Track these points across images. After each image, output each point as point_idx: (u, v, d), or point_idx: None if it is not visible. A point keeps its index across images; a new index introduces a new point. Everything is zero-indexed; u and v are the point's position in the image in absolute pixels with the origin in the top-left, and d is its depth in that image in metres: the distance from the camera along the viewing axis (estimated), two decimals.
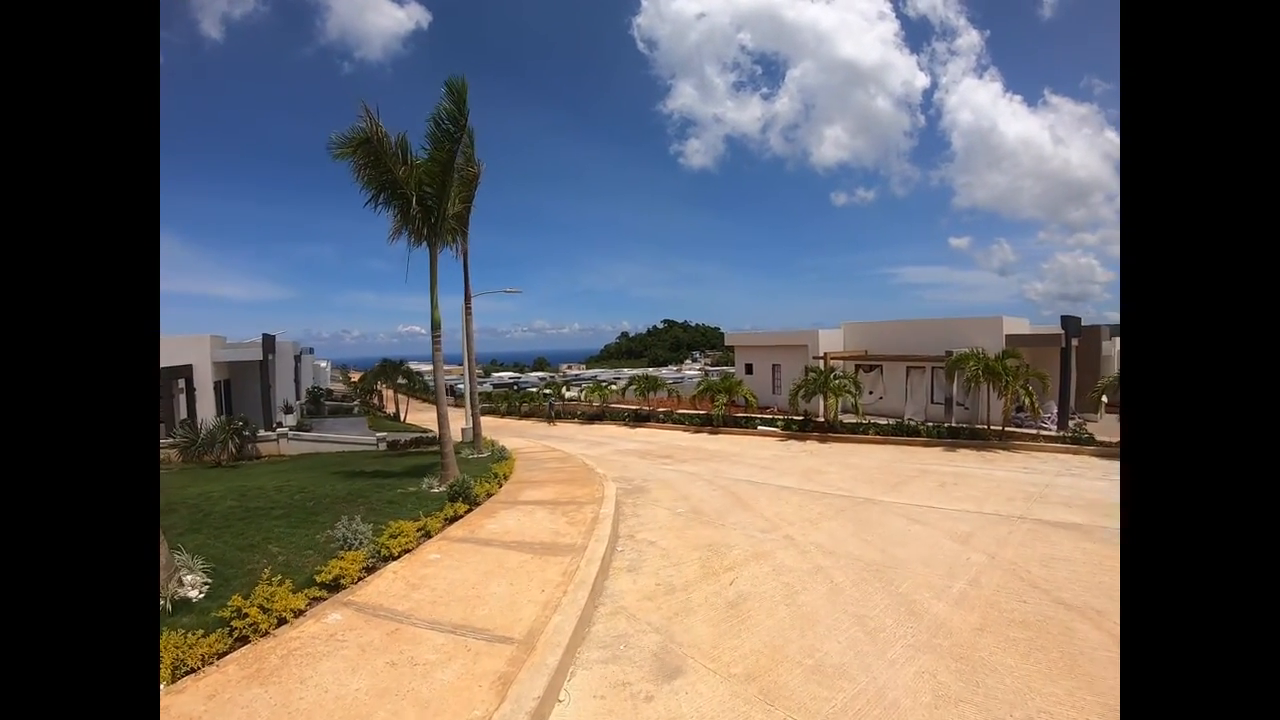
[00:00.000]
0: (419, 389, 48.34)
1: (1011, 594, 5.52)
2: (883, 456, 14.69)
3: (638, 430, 23.49)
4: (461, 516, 7.87)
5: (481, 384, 71.20)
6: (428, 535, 6.93)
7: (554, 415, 30.64)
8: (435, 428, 19.76)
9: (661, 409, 25.92)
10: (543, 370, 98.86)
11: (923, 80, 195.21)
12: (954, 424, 17.45)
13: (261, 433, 18.20)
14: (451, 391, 62.88)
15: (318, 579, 5.21)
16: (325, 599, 5.05)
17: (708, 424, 21.97)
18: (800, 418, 19.88)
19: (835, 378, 19.41)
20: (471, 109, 9.62)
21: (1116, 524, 7.43)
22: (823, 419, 19.26)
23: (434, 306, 9.82)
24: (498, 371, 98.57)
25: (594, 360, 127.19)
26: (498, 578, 5.60)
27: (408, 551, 6.34)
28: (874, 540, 7.30)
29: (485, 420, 35.20)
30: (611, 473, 12.81)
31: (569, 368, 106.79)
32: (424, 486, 9.55)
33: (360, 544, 6.03)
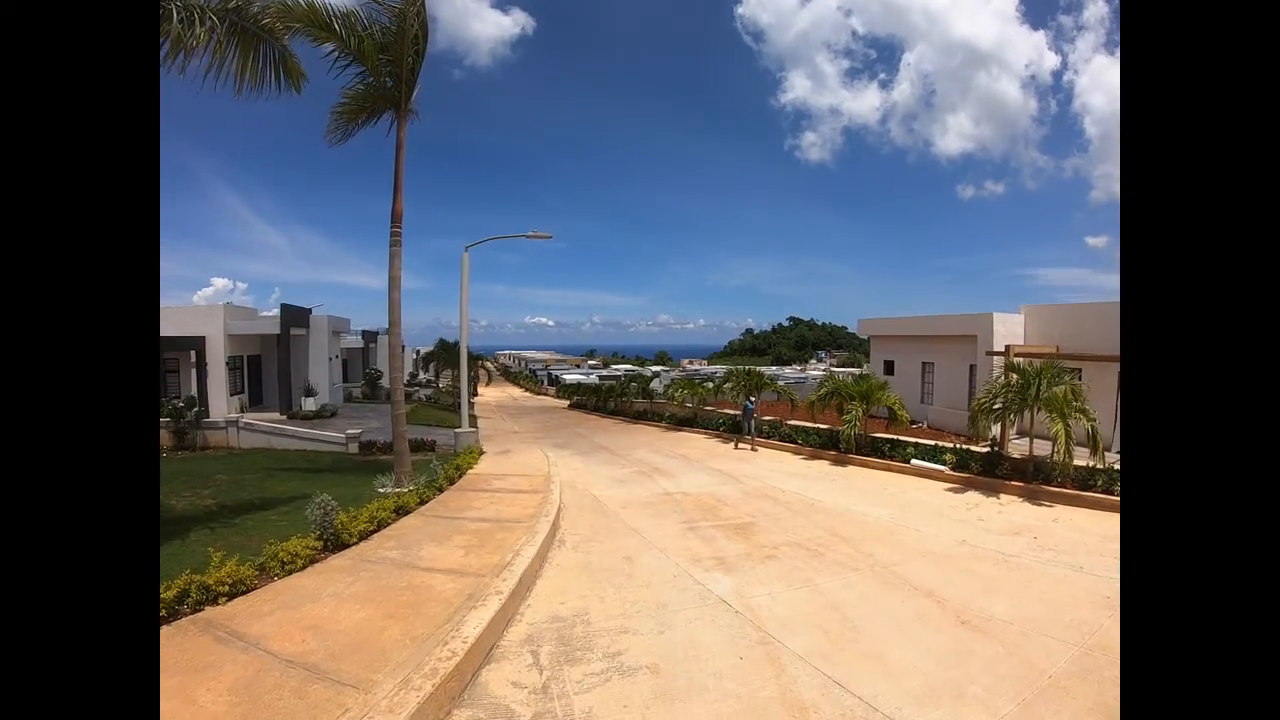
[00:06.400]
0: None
1: None
2: None
3: (725, 448, 16.69)
4: None
5: (588, 375, 65.43)
6: None
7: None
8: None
9: (769, 417, 18.71)
10: (664, 364, 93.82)
11: (1050, 60, 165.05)
12: None
13: (209, 419, 14.00)
14: (556, 382, 59.00)
15: None
16: None
17: (833, 445, 14.73)
18: (984, 448, 12.18)
19: (1055, 383, 11.24)
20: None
21: None
22: (1024, 457, 11.36)
23: None
24: (616, 364, 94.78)
25: (716, 356, 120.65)
26: None
27: None
28: None
29: (570, 416, 29.64)
30: (560, 601, 6.24)
31: (690, 363, 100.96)
32: None
33: None
